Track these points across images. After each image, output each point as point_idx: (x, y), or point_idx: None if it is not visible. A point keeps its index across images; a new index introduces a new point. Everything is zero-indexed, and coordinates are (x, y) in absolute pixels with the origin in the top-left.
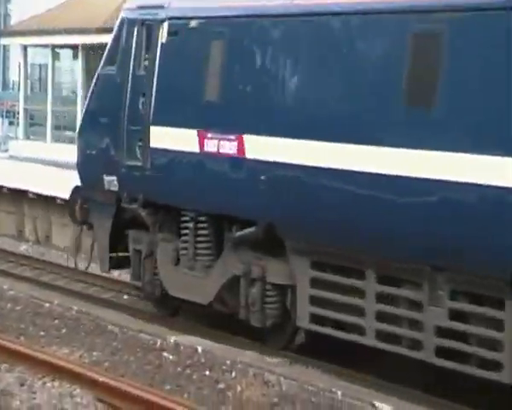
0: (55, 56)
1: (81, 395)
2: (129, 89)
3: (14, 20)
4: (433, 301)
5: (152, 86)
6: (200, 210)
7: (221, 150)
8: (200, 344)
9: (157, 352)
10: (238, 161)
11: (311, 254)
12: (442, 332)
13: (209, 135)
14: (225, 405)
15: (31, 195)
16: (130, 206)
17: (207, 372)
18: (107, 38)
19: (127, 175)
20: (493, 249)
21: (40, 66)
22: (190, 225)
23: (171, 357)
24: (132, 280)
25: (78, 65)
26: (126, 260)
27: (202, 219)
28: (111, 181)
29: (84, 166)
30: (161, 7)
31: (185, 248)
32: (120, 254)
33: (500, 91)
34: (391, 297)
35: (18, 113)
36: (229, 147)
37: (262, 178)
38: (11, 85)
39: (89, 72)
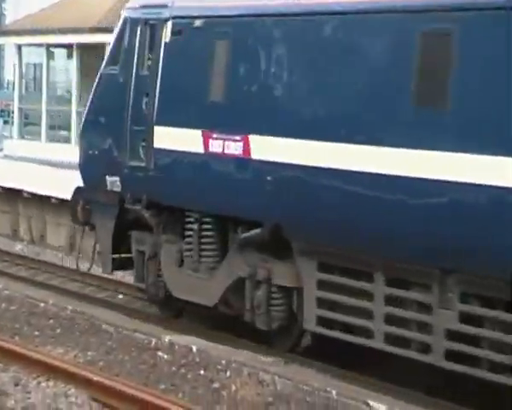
0: (50, 56)
1: (76, 394)
2: (132, 89)
3: (8, 20)
4: (443, 303)
5: (155, 86)
6: (204, 211)
7: (226, 151)
8: (195, 344)
9: (152, 351)
10: (243, 161)
11: (318, 256)
12: (452, 335)
13: (214, 135)
14: (220, 404)
15: (25, 194)
16: (133, 207)
17: (202, 372)
18: (102, 38)
19: (130, 176)
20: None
21: (35, 65)
22: (195, 226)
23: (165, 356)
24: (136, 282)
25: (73, 64)
26: (129, 261)
27: (207, 220)
28: (114, 182)
29: (86, 167)
30: (165, 6)
31: (189, 250)
32: (123, 255)
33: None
34: (399, 300)
35: (13, 112)
36: (234, 147)
37: (268, 178)
38: (6, 85)
39: (83, 71)
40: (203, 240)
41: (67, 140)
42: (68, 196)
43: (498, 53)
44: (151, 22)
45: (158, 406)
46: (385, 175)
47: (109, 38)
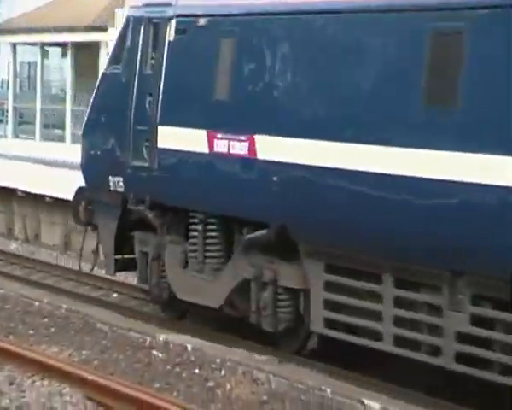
0: (44, 54)
1: (70, 393)
2: (135, 88)
3: (2, 18)
4: (454, 305)
5: (159, 85)
6: (209, 212)
7: (231, 151)
8: (190, 342)
9: (146, 350)
10: (249, 161)
11: (325, 257)
12: (462, 338)
13: (219, 135)
14: (215, 403)
15: (20, 193)
16: (136, 207)
17: (197, 370)
18: (96, 36)
19: (133, 176)
20: None
21: (29, 64)
22: (199, 227)
23: (160, 355)
24: (139, 283)
25: (67, 63)
26: (132, 262)
27: (211, 220)
28: (117, 182)
29: (88, 167)
30: (169, 4)
31: (194, 251)
32: (126, 256)
33: None
34: (409, 302)
35: (7, 111)
36: (239, 147)
37: (274, 179)
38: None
39: (78, 70)
40: (208, 241)
41: (62, 139)
42: (63, 194)
43: (510, 51)
44: (155, 21)
45: (153, 404)
46: (393, 175)
47: (104, 37)
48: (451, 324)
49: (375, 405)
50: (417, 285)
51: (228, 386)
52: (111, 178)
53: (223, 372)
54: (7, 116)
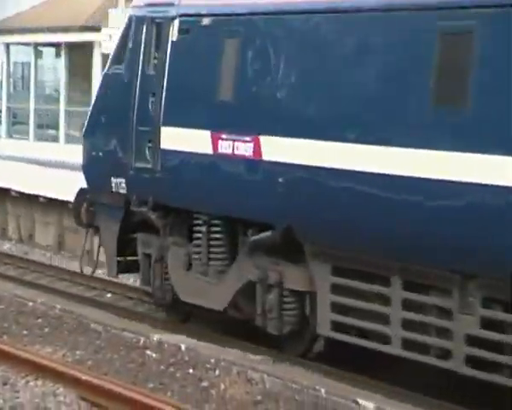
0: (38, 54)
1: (64, 393)
2: (138, 88)
3: None
4: (464, 308)
5: (162, 86)
6: (213, 213)
7: (236, 152)
8: (184, 342)
9: (140, 350)
10: (254, 162)
11: (332, 259)
12: (473, 341)
13: (223, 136)
14: (209, 403)
15: (14, 193)
16: (139, 209)
17: (191, 370)
18: (90, 36)
19: (136, 177)
20: None
21: (23, 64)
22: (203, 228)
23: (154, 355)
24: (142, 285)
25: (61, 63)
26: (134, 264)
27: (216, 222)
28: (119, 183)
29: (90, 168)
30: (172, 4)
31: (198, 253)
32: (128, 258)
33: None
34: (417, 304)
35: (1, 111)
36: (244, 148)
37: (280, 180)
38: None
39: (71, 70)
40: (212, 243)
41: (56, 139)
42: (57, 195)
43: None
44: (157, 20)
45: (146, 405)
46: (402, 177)
47: (97, 37)
48: (461, 327)
49: (370, 405)
50: (426, 288)
51: (222, 386)
52: (113, 180)
53: (217, 372)
54: (0, 116)
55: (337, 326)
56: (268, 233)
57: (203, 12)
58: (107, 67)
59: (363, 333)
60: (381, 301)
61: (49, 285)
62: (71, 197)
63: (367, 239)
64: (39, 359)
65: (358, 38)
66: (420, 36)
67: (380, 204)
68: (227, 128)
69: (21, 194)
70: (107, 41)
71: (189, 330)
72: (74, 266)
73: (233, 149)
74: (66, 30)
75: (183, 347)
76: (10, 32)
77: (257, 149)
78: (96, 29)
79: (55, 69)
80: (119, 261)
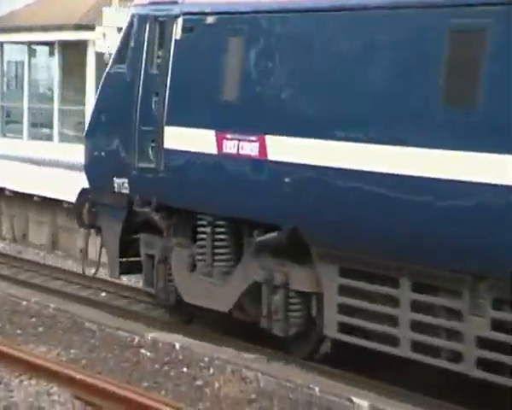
0: (32, 53)
1: (58, 392)
2: (141, 88)
3: None
4: (475, 310)
5: (165, 85)
6: (217, 214)
7: (241, 152)
8: (178, 341)
9: (135, 349)
10: (259, 162)
11: (339, 261)
12: (484, 343)
13: (228, 136)
14: (203, 401)
15: (7, 192)
16: (142, 209)
17: (185, 369)
18: (83, 35)
19: (139, 177)
20: None
21: (16, 63)
22: (207, 229)
23: (148, 354)
24: (145, 286)
25: (55, 62)
26: (137, 264)
27: (220, 223)
28: (121, 183)
29: (92, 168)
30: (175, 2)
31: (202, 254)
32: (131, 258)
33: None
34: (427, 306)
35: None
36: (249, 148)
37: (286, 180)
38: None
39: (65, 69)
40: (216, 243)
41: (49, 138)
42: (51, 194)
43: None
44: (161, 19)
45: (141, 403)
46: (410, 176)
47: (91, 36)
48: (472, 329)
49: (364, 403)
50: (435, 289)
51: (216, 385)
52: (116, 180)
53: (211, 371)
54: None
55: (345, 328)
56: (274, 234)
57: (207, 10)
58: (109, 66)
59: (368, 335)
60: (390, 303)
61: (43, 284)
62: (65, 196)
63: (375, 240)
64: (33, 358)
65: (365, 37)
66: (430, 34)
67: (389, 205)
68: (232, 128)
69: (15, 193)
70: (101, 40)
71: (180, 329)
72: (68, 265)
73: (238, 149)
74: (60, 28)
75: (177, 345)
76: (4, 30)
77: (262, 148)
78: (90, 28)
79: (48, 68)
80: (121, 262)
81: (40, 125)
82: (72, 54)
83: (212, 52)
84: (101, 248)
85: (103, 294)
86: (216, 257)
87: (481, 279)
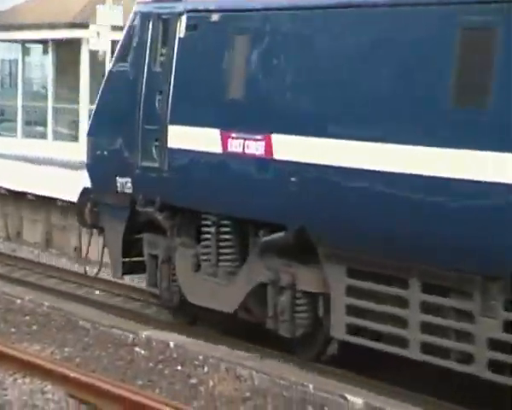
0: (25, 52)
1: (52, 391)
2: (144, 86)
3: None
4: (486, 311)
5: (169, 83)
6: (222, 214)
7: (246, 151)
8: (172, 339)
9: (129, 347)
10: (265, 161)
11: (347, 261)
12: (495, 345)
13: (233, 135)
14: (197, 400)
15: (2, 191)
16: (145, 209)
17: (179, 367)
18: (77, 33)
19: (142, 177)
20: None
21: (10, 61)
22: (212, 229)
23: (142, 352)
24: (148, 286)
25: (49, 60)
26: (140, 265)
27: (225, 223)
28: (124, 183)
29: (94, 168)
30: None
31: (206, 254)
32: (134, 258)
33: None
34: (437, 307)
35: None
36: (255, 147)
37: (292, 179)
38: None
39: (59, 67)
40: (221, 244)
41: (44, 136)
42: (45, 192)
43: None
44: (164, 17)
45: (135, 402)
46: (420, 176)
47: (85, 34)
48: (483, 330)
49: (358, 400)
50: (445, 290)
51: (211, 383)
52: (118, 179)
53: (205, 369)
54: None
55: (352, 329)
56: (280, 234)
57: (212, 7)
58: (111, 65)
59: (375, 336)
60: (398, 304)
61: (37, 283)
62: (59, 194)
63: (383, 240)
64: (27, 356)
65: (373, 35)
66: (440, 32)
67: (397, 204)
68: (237, 126)
69: (9, 191)
70: (94, 38)
71: (174, 327)
72: (62, 263)
73: (243, 148)
74: (53, 27)
75: (171, 344)
76: None
77: (268, 147)
78: (84, 26)
79: (42, 66)
80: (124, 262)
81: (34, 124)
82: (66, 52)
83: (217, 50)
84: (103, 248)
85: (97, 292)
86: (221, 257)
87: (493, 280)
